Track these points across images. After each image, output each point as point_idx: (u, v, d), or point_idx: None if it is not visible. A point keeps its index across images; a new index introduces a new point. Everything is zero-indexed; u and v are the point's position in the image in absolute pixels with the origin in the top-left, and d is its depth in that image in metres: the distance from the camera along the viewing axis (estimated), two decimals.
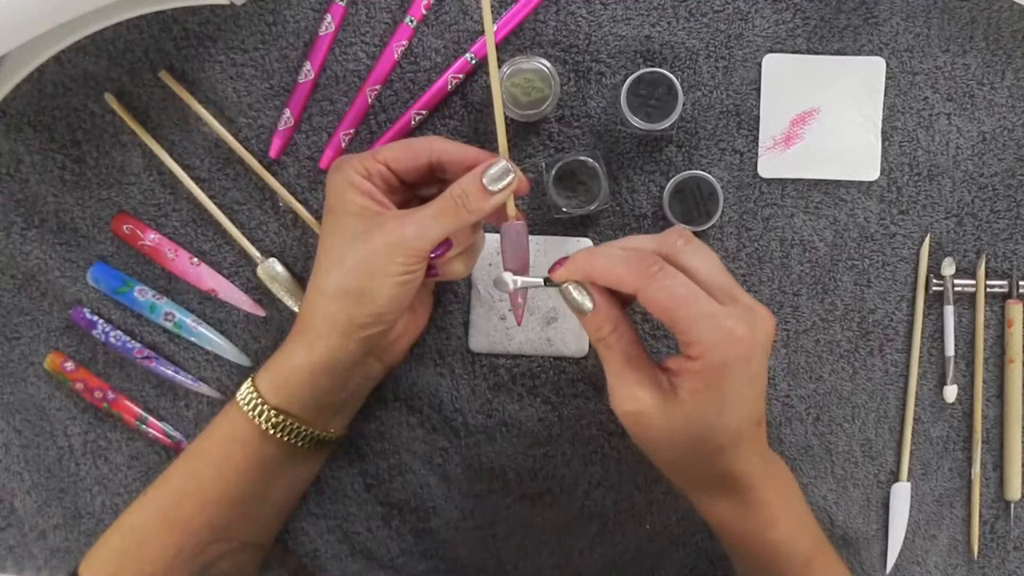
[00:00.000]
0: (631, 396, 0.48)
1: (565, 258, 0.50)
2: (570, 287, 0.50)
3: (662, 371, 0.49)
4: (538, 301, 0.62)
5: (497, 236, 0.60)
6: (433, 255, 0.53)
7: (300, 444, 0.55)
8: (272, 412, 0.54)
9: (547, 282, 0.51)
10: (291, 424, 0.54)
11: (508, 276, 0.52)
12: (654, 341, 0.63)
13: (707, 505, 0.52)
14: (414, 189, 0.57)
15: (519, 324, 0.56)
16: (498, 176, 0.52)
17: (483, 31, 0.61)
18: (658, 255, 0.48)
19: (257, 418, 0.54)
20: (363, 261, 0.51)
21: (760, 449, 0.51)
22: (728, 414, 0.48)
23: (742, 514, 0.51)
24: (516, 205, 0.53)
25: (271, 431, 0.54)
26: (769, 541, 0.51)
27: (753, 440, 0.50)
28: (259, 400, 0.54)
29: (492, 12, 0.57)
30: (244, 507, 0.55)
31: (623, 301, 0.51)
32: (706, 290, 0.47)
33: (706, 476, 0.51)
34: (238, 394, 0.55)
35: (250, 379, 0.55)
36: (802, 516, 0.54)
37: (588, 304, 0.49)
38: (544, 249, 0.62)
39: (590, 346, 0.63)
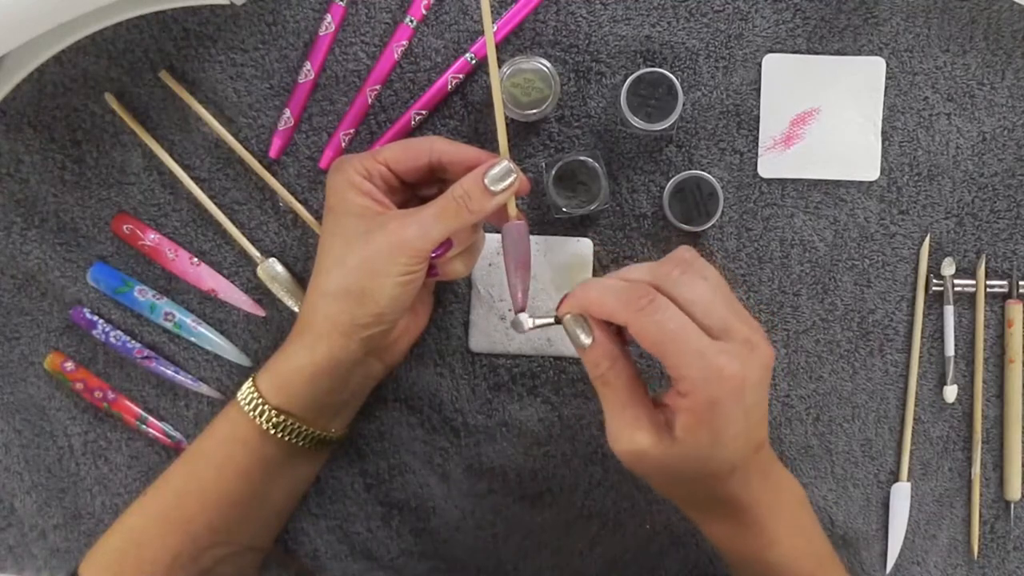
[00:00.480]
0: (629, 438, 0.48)
1: (569, 294, 0.50)
2: (570, 320, 0.49)
3: (659, 407, 0.49)
4: (538, 302, 0.62)
5: (498, 236, 0.60)
6: (434, 255, 0.53)
7: (301, 444, 0.55)
8: (273, 412, 0.54)
9: (557, 320, 0.51)
10: (292, 424, 0.54)
11: (524, 317, 0.52)
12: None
13: (707, 526, 0.52)
14: (414, 189, 0.57)
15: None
16: (500, 176, 0.52)
17: (483, 31, 0.61)
18: (653, 286, 0.47)
19: (258, 418, 0.54)
20: (364, 261, 0.51)
21: (761, 470, 0.50)
22: (723, 447, 0.47)
23: (740, 535, 0.51)
24: (517, 205, 0.53)
25: (272, 431, 0.54)
26: (768, 561, 0.51)
27: (751, 464, 0.49)
28: (260, 400, 0.54)
29: (492, 12, 0.57)
30: (244, 507, 0.55)
31: (624, 337, 0.50)
32: (700, 323, 0.46)
33: (704, 501, 0.51)
34: (239, 394, 0.55)
35: (251, 379, 0.55)
36: (806, 533, 0.53)
37: (585, 339, 0.49)
38: (544, 249, 0.62)
39: None
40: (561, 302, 0.50)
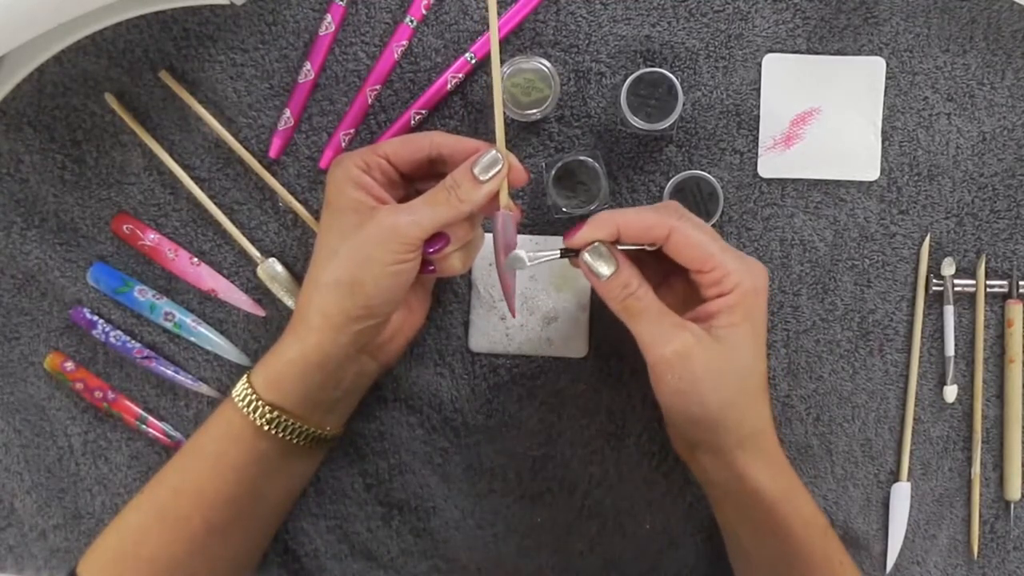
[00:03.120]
0: (676, 337, 0.50)
1: (578, 226, 0.51)
2: (595, 248, 0.51)
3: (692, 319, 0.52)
4: (538, 301, 0.62)
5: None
6: (431, 250, 0.53)
7: (295, 441, 0.55)
8: (267, 408, 0.54)
9: (563, 252, 0.52)
10: (285, 420, 0.54)
11: (523, 252, 0.52)
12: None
13: (741, 463, 0.52)
14: (414, 184, 0.57)
15: (513, 315, 0.56)
16: (488, 165, 0.52)
17: (483, 30, 0.61)
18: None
19: (252, 414, 0.54)
20: (355, 250, 0.52)
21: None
22: (761, 343, 0.51)
23: (774, 473, 0.53)
24: (512, 198, 0.53)
25: (266, 427, 0.54)
26: (797, 503, 0.53)
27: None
28: (254, 396, 0.54)
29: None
30: (241, 505, 0.55)
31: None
32: None
33: (740, 426, 0.52)
34: (234, 390, 0.55)
35: (246, 375, 0.55)
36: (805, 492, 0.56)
37: (607, 269, 0.51)
38: (544, 249, 0.62)
39: (590, 346, 0.63)
40: (568, 234, 0.52)
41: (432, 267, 0.55)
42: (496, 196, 0.53)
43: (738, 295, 0.50)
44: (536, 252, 0.52)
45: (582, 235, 0.51)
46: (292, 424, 0.55)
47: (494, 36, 0.52)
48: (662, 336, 0.50)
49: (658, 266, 0.53)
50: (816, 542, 0.53)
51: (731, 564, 0.58)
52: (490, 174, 0.52)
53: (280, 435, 0.54)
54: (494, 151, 0.52)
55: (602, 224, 0.51)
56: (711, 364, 0.50)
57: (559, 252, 0.52)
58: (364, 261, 0.51)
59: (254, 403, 0.54)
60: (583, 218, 0.62)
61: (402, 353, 0.61)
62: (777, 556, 0.53)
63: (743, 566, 0.57)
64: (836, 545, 0.55)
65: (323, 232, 0.54)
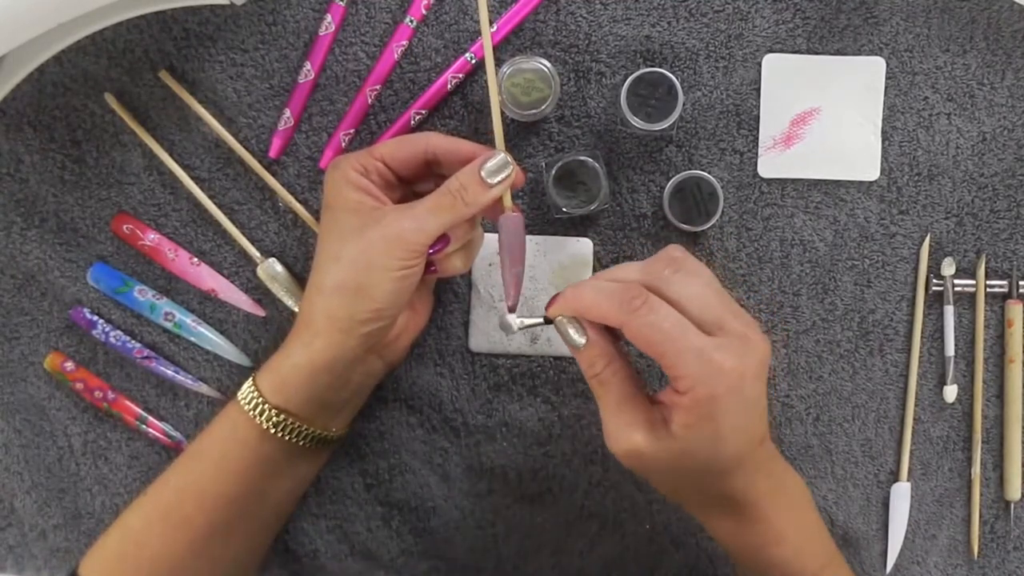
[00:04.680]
0: (626, 438, 0.48)
1: (554, 297, 0.50)
2: (564, 321, 0.50)
3: (656, 405, 0.49)
4: (538, 301, 0.62)
5: (497, 236, 0.60)
6: (432, 251, 0.53)
7: (301, 443, 0.55)
8: (273, 411, 0.54)
9: (547, 320, 0.51)
10: (292, 423, 0.54)
11: (512, 318, 0.52)
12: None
13: (711, 523, 0.52)
14: (411, 185, 0.57)
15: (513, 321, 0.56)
16: (497, 169, 0.52)
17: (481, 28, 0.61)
18: (645, 285, 0.48)
19: (258, 417, 0.54)
20: (360, 256, 0.51)
21: (764, 465, 0.50)
22: (725, 443, 0.47)
23: (746, 531, 0.51)
24: (512, 199, 0.53)
25: (272, 430, 0.54)
26: (774, 558, 0.51)
27: (755, 459, 0.49)
28: (260, 399, 0.54)
29: (492, 12, 0.57)
30: (244, 506, 0.55)
31: (618, 336, 0.50)
32: (694, 321, 0.46)
33: (707, 499, 0.51)
34: (239, 393, 0.55)
35: (251, 378, 0.55)
36: (811, 530, 0.53)
37: (580, 339, 0.49)
38: (544, 249, 0.62)
39: None
40: (551, 302, 0.50)
41: (434, 267, 0.55)
42: (499, 198, 0.53)
43: (690, 400, 0.46)
44: (526, 319, 0.52)
45: (552, 309, 0.50)
46: (298, 426, 0.55)
47: (486, 40, 0.52)
48: (615, 430, 0.49)
49: None
50: None
51: None
52: (499, 178, 0.52)
53: (285, 437, 0.54)
54: (502, 155, 0.52)
55: (566, 301, 0.49)
56: (663, 462, 0.48)
57: (543, 319, 0.51)
58: (369, 267, 0.51)
59: (260, 406, 0.54)
60: (583, 219, 0.62)
61: (407, 351, 0.61)
62: None
63: None
64: None
65: (324, 235, 0.54)
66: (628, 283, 0.48)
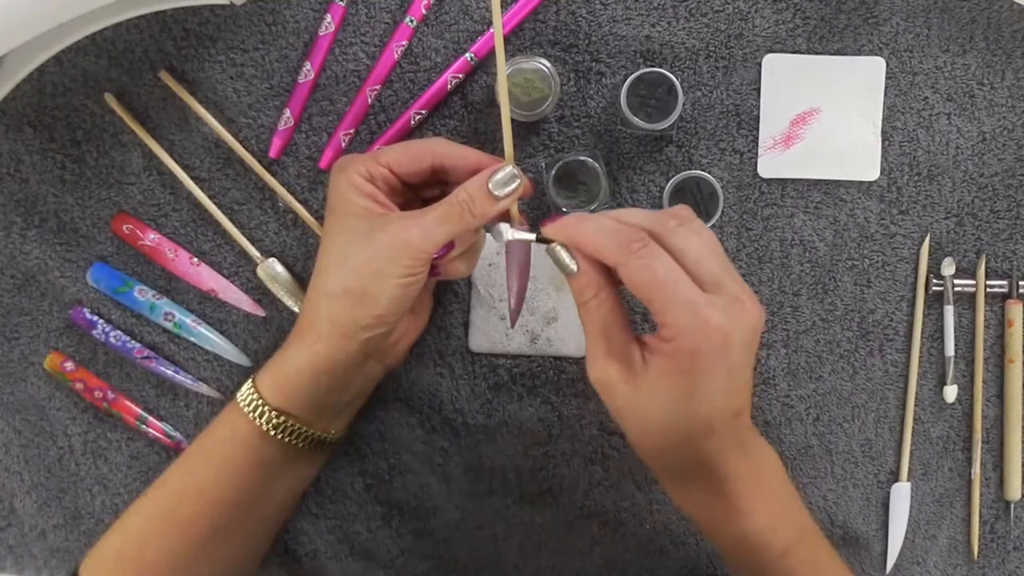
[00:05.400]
0: (601, 366, 0.48)
1: (559, 214, 0.50)
2: (559, 247, 0.50)
3: (639, 345, 0.49)
4: (538, 301, 0.62)
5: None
6: (436, 256, 0.53)
7: (300, 445, 0.55)
8: (273, 413, 0.54)
9: (539, 238, 0.51)
10: (291, 425, 0.54)
11: (504, 227, 0.52)
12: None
13: (681, 494, 0.52)
14: (416, 191, 0.57)
15: (512, 327, 0.56)
16: (504, 182, 0.52)
17: (483, 30, 0.61)
18: (648, 232, 0.48)
19: (258, 419, 0.54)
20: (367, 262, 0.51)
21: (737, 440, 0.50)
22: (699, 401, 0.47)
23: (715, 504, 0.50)
24: (519, 208, 0.53)
25: (271, 432, 0.54)
26: (744, 532, 0.50)
27: (729, 431, 0.49)
28: (259, 401, 0.54)
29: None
30: (244, 508, 0.55)
31: (613, 274, 0.50)
32: (692, 275, 0.46)
33: (678, 463, 0.50)
34: (238, 395, 0.55)
35: (250, 380, 0.55)
36: (784, 504, 0.52)
37: (573, 265, 0.49)
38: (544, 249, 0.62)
39: None
40: (546, 221, 0.50)
41: (437, 271, 0.55)
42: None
43: (671, 348, 0.46)
44: (517, 232, 0.52)
45: (548, 231, 0.50)
46: (298, 428, 0.55)
47: (499, 46, 0.52)
48: (593, 358, 0.49)
49: None
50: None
51: None
52: (507, 191, 0.52)
53: (285, 439, 0.54)
54: (510, 168, 0.52)
55: (565, 229, 0.49)
56: (631, 400, 0.48)
57: (535, 236, 0.52)
58: (375, 274, 0.51)
59: (260, 408, 0.54)
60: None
61: (406, 354, 0.61)
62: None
63: None
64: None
65: (328, 237, 0.54)
66: (631, 226, 0.48)
